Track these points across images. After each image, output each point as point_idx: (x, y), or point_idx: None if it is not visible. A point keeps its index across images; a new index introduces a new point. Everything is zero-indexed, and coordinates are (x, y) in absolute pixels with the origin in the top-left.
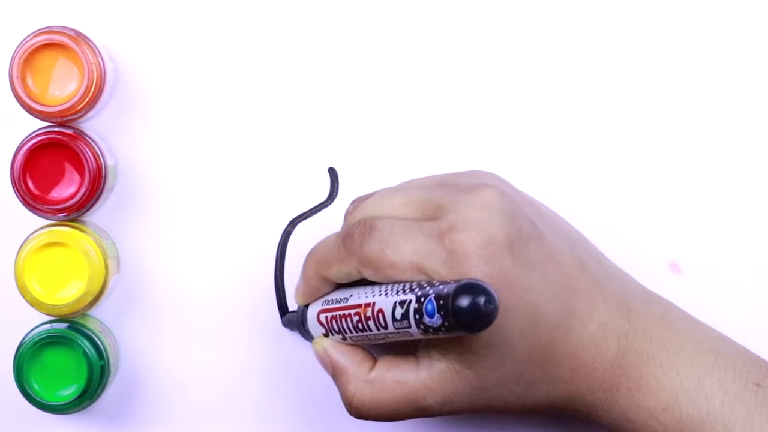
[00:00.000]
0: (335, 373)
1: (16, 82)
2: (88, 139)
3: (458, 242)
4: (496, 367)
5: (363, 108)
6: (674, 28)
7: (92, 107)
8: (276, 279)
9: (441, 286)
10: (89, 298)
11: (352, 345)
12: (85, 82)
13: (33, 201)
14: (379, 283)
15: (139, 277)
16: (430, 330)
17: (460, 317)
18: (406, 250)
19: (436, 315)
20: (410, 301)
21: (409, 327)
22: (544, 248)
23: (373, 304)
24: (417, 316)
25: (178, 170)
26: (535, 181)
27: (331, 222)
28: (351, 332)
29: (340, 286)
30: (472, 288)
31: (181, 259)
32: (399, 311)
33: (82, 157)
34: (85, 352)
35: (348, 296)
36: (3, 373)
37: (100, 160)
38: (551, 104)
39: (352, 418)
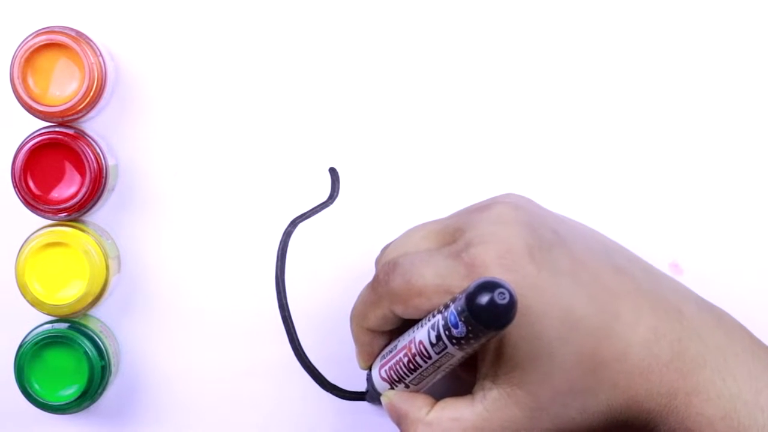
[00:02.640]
0: (398, 420)
1: (17, 82)
2: (88, 139)
3: (476, 255)
4: (545, 380)
5: (363, 108)
6: (673, 30)
7: (93, 107)
8: (276, 279)
9: (457, 295)
10: (90, 298)
11: (415, 392)
12: (86, 82)
13: (34, 201)
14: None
15: (140, 277)
16: (462, 341)
17: (477, 316)
18: (428, 275)
19: (459, 324)
20: (438, 321)
21: (446, 347)
22: (571, 255)
23: (414, 338)
24: (447, 333)
25: (179, 170)
26: (536, 182)
27: (331, 222)
28: (407, 375)
29: (392, 338)
30: (484, 285)
31: (182, 259)
32: (433, 334)
33: (83, 157)
34: (85, 352)
35: (397, 343)
36: (4, 373)
37: (100, 160)
38: (551, 105)
39: (353, 418)
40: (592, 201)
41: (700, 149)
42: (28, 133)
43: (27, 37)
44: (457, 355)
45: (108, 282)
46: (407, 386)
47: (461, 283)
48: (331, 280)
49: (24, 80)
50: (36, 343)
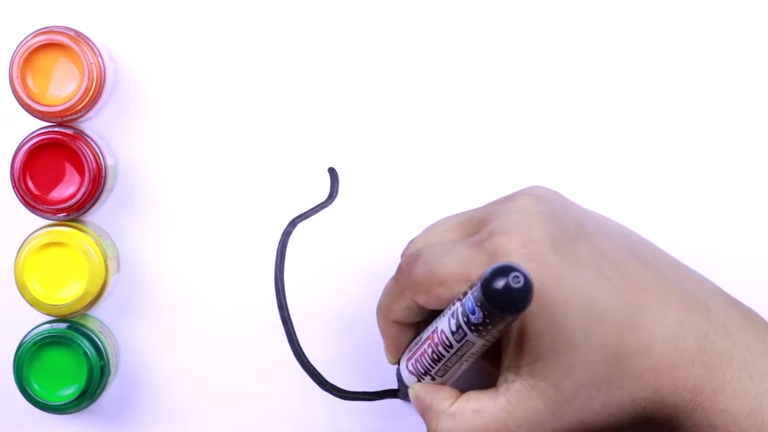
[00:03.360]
0: (422, 412)
1: (16, 82)
2: (88, 139)
3: (498, 244)
4: (569, 371)
5: (363, 108)
6: (673, 31)
7: (92, 107)
8: (275, 279)
9: (477, 282)
10: (89, 298)
11: (441, 384)
12: (85, 82)
13: (33, 201)
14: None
15: (139, 277)
16: (480, 328)
17: (493, 301)
18: (450, 263)
19: (476, 309)
20: (457, 308)
21: (466, 335)
22: (594, 247)
23: (436, 328)
24: (465, 319)
25: (178, 170)
26: (535, 179)
27: (330, 222)
28: (432, 367)
29: (419, 331)
30: (499, 270)
31: (181, 259)
32: (453, 323)
33: (82, 157)
34: (85, 352)
35: (422, 335)
36: (3, 373)
37: (100, 160)
38: (550, 105)
39: (352, 418)
40: (591, 202)
41: (698, 150)
42: (28, 133)
43: (26, 37)
44: (477, 343)
45: (107, 282)
46: (433, 378)
47: (478, 272)
48: (331, 280)
49: (23, 80)
50: (35, 343)
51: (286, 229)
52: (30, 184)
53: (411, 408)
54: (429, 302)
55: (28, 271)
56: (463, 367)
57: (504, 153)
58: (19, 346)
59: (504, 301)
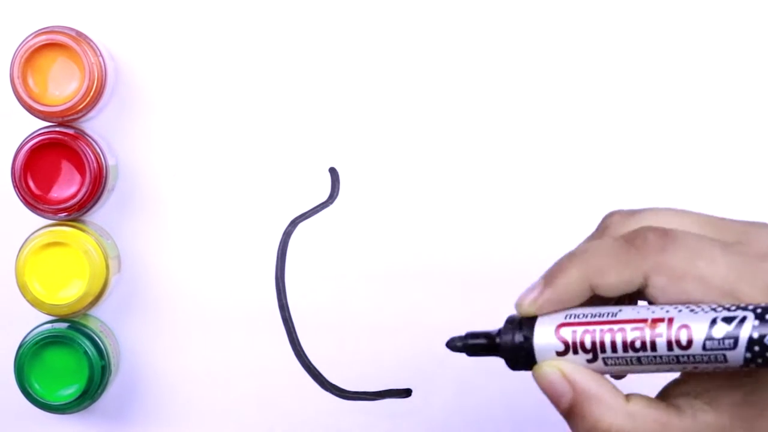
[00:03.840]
0: (582, 400)
1: (17, 81)
2: (88, 138)
3: None
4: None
5: (363, 108)
6: (671, 33)
7: (93, 107)
8: (276, 279)
9: None
10: (90, 298)
11: (596, 371)
12: (86, 82)
13: (34, 201)
14: (654, 305)
15: (140, 277)
16: (761, 358)
17: None
18: (721, 265)
19: None
20: (745, 318)
21: (730, 349)
22: None
23: (670, 319)
24: (755, 335)
25: (179, 170)
26: (533, 180)
27: (331, 222)
28: (614, 353)
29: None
30: None
31: (182, 259)
32: (722, 329)
33: (83, 156)
34: (85, 352)
35: (616, 311)
36: (4, 373)
37: (100, 159)
38: (550, 105)
39: (353, 418)
40: (590, 202)
41: (698, 149)
42: (28, 133)
43: (27, 37)
44: (722, 366)
45: (108, 282)
46: (593, 360)
47: (756, 294)
48: (331, 280)
49: (24, 80)
50: (36, 342)
51: (286, 229)
52: (31, 183)
53: (411, 408)
54: (664, 289)
55: (29, 271)
56: (643, 373)
57: (504, 153)
58: (20, 346)
59: None
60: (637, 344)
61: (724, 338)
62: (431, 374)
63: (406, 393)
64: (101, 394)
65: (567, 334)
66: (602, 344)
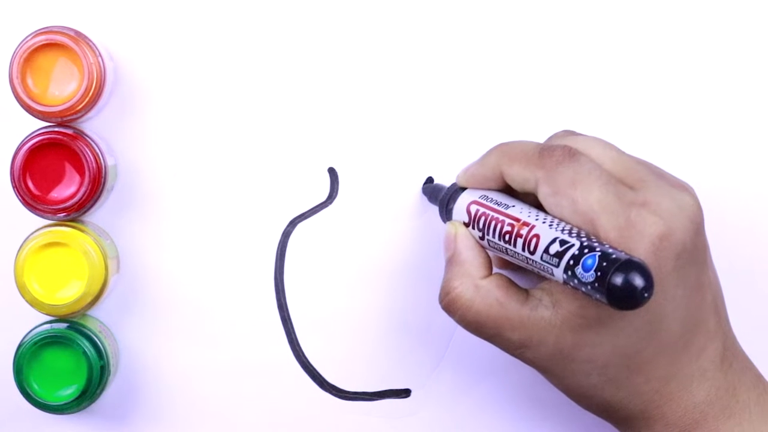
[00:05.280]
0: (452, 260)
1: (16, 82)
2: (88, 139)
3: (642, 220)
4: (594, 346)
5: (363, 108)
6: (670, 34)
7: (92, 107)
8: (275, 279)
9: (610, 250)
10: (89, 298)
11: (482, 246)
12: (85, 82)
13: (33, 201)
14: (543, 212)
15: (139, 277)
16: (574, 281)
17: (613, 287)
18: (593, 195)
19: (591, 272)
20: (572, 245)
21: (555, 267)
22: (698, 277)
23: (533, 226)
24: (571, 262)
25: (178, 170)
26: None
27: (330, 222)
28: (493, 237)
29: (503, 191)
30: (641, 269)
31: (181, 259)
32: (555, 248)
33: (82, 157)
34: (84, 352)
35: (510, 204)
36: (3, 373)
37: (100, 160)
38: (549, 105)
39: (352, 418)
40: None
41: (696, 149)
42: (27, 133)
43: (26, 37)
44: (552, 278)
45: (107, 282)
46: (481, 238)
47: (610, 230)
48: (330, 280)
49: (23, 80)
50: (35, 343)
51: (286, 229)
52: (30, 184)
53: (411, 408)
54: (546, 198)
55: (28, 271)
56: (510, 261)
57: None
58: (19, 346)
59: (622, 295)
60: (506, 237)
61: (553, 256)
62: (431, 374)
63: (405, 393)
64: (100, 395)
65: (472, 210)
66: (487, 227)
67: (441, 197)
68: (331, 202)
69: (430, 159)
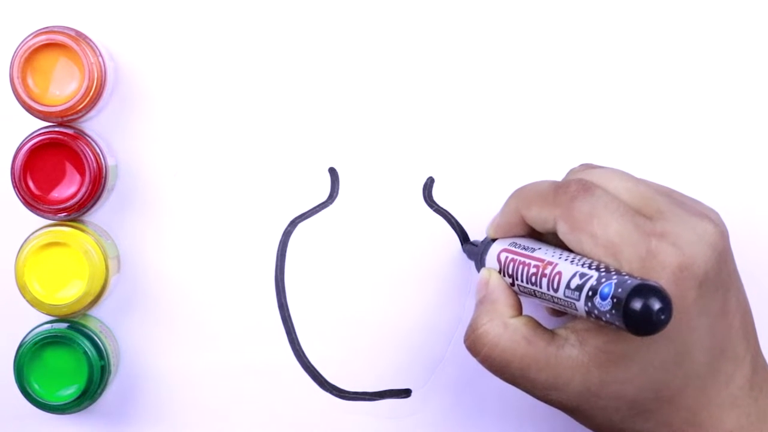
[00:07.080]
0: (483, 300)
1: (17, 82)
2: (88, 139)
3: (663, 250)
4: (623, 382)
5: (363, 108)
6: (670, 34)
7: (93, 107)
8: (276, 279)
9: (626, 277)
10: (89, 298)
11: (513, 291)
12: (86, 82)
13: (33, 201)
14: (567, 250)
15: (140, 277)
16: (595, 312)
17: (629, 311)
18: (612, 228)
19: (608, 300)
20: (590, 277)
21: (577, 300)
22: (724, 303)
23: (555, 265)
24: (590, 293)
25: (179, 170)
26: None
27: (330, 222)
28: (522, 281)
29: (532, 235)
30: (656, 291)
31: (182, 259)
32: (576, 282)
33: (83, 157)
34: (85, 352)
35: (537, 247)
36: (3, 373)
37: (100, 160)
38: (549, 105)
39: (352, 418)
40: None
41: (696, 149)
42: (28, 133)
43: (27, 37)
44: (577, 312)
45: (107, 282)
46: (512, 284)
47: (632, 261)
48: (331, 280)
49: (24, 80)
50: (35, 343)
51: (286, 229)
52: (30, 183)
53: (411, 408)
54: (565, 235)
55: (29, 271)
56: (537, 301)
57: (504, 153)
58: (20, 346)
59: (638, 319)
60: (533, 279)
61: (574, 290)
62: (431, 374)
63: (405, 393)
64: (101, 395)
65: (502, 257)
66: (516, 272)
67: (476, 251)
68: (331, 202)
69: (430, 159)
